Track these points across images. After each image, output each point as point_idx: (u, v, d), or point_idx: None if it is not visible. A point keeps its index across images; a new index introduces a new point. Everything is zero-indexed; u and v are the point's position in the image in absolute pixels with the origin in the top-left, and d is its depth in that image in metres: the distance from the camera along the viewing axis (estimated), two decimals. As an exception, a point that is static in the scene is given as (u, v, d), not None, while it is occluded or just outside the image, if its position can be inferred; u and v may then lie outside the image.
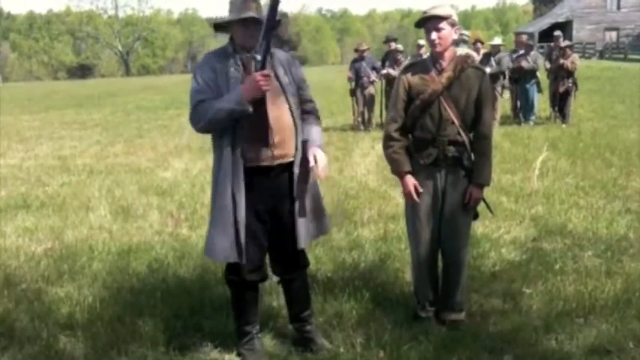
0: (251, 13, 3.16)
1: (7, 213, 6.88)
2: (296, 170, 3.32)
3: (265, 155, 3.25)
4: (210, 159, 3.42)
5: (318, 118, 3.55)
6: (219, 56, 3.31)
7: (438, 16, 3.48)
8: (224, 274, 3.52)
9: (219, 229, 3.30)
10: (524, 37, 13.81)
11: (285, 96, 3.29)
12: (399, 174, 3.68)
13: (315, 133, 3.42)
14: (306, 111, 3.45)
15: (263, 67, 3.10)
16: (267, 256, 3.52)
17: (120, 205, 7.02)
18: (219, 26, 3.36)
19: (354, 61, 13.48)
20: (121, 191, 7.78)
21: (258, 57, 3.09)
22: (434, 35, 3.50)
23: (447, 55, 3.58)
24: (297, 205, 3.33)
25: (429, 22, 3.50)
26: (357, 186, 7.59)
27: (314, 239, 3.56)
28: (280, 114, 3.27)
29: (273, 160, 3.27)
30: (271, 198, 3.33)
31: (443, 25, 3.49)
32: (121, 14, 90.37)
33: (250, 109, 3.12)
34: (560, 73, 12.35)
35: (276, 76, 3.28)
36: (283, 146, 3.28)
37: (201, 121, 3.24)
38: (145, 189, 7.86)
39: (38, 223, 6.40)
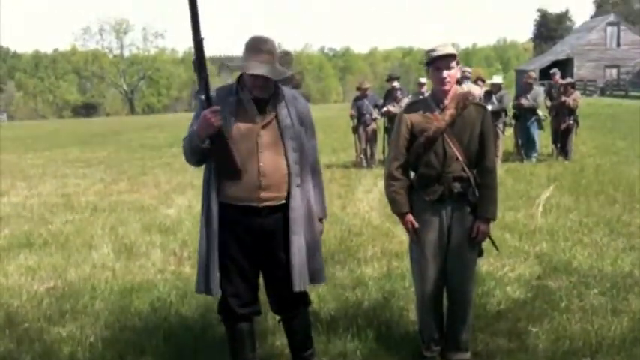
0: (263, 71, 3.15)
1: (10, 251, 6.86)
2: (292, 214, 3.31)
3: (251, 196, 3.26)
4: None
5: (318, 176, 3.55)
6: (223, 93, 3.34)
7: (450, 55, 3.53)
8: (217, 309, 3.53)
9: (198, 263, 3.40)
10: (532, 74, 13.94)
11: (281, 140, 3.29)
12: (399, 215, 3.72)
13: (318, 203, 3.48)
14: (309, 166, 3.44)
15: (210, 104, 3.13)
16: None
17: (123, 243, 7.01)
18: (227, 66, 3.41)
19: (357, 98, 13.60)
20: (124, 229, 7.77)
21: (202, 97, 3.15)
22: (445, 73, 3.54)
23: (449, 92, 3.62)
24: (291, 248, 3.31)
25: (440, 60, 3.54)
26: (361, 223, 7.58)
27: (310, 284, 3.49)
28: (273, 157, 3.27)
29: (259, 202, 3.27)
30: (262, 237, 3.33)
31: (453, 63, 3.55)
32: (126, 53, 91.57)
33: (204, 145, 3.17)
34: (562, 110, 12.42)
35: (277, 118, 3.30)
36: (273, 189, 3.28)
37: (183, 151, 3.39)
38: (148, 227, 7.86)
39: (41, 261, 6.38)
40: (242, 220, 3.29)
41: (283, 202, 3.31)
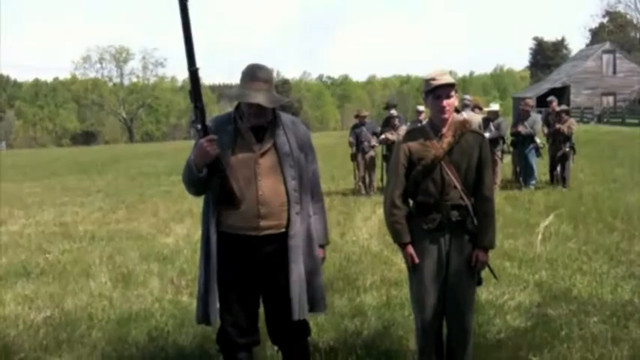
0: (258, 99, 3.17)
1: (6, 281, 6.82)
2: (292, 242, 3.29)
3: (250, 225, 3.26)
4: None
5: (320, 202, 3.55)
6: (222, 121, 3.36)
7: (450, 84, 3.56)
8: (215, 339, 3.49)
9: (197, 293, 3.39)
10: (530, 101, 14.02)
11: (280, 167, 3.29)
12: (400, 244, 3.71)
13: (319, 229, 3.47)
14: (310, 192, 3.44)
15: (206, 133, 3.14)
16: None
17: (120, 272, 6.98)
18: (225, 95, 3.43)
19: (355, 126, 13.67)
20: (122, 258, 7.74)
21: (199, 126, 3.16)
22: (445, 102, 3.56)
23: (448, 120, 3.64)
24: (291, 276, 3.28)
25: (440, 89, 3.56)
26: (359, 251, 7.55)
27: (310, 313, 3.47)
28: (272, 186, 3.27)
29: (259, 231, 3.26)
30: (262, 266, 3.31)
31: (452, 92, 3.58)
32: (125, 82, 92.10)
33: (202, 174, 3.18)
34: (558, 138, 12.48)
35: (275, 146, 3.31)
36: (272, 217, 3.27)
37: (182, 180, 3.38)
38: (145, 255, 7.83)
39: (38, 290, 6.35)
40: (242, 250, 3.28)
41: (283, 230, 3.30)
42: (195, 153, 3.18)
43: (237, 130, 3.30)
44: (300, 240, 3.32)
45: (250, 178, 3.25)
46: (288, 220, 3.30)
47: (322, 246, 3.54)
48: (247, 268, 3.31)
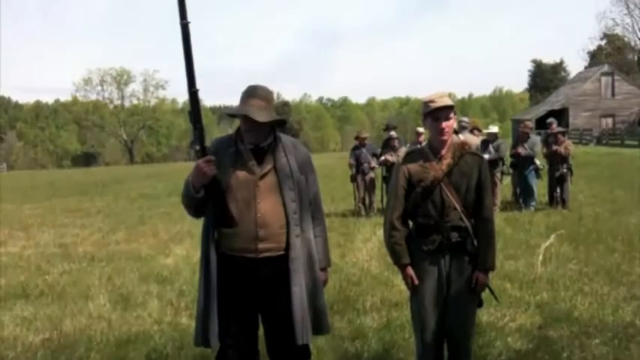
0: (248, 112, 3.20)
1: (5, 302, 6.80)
2: (292, 265, 3.27)
3: (248, 247, 3.24)
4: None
5: (321, 224, 3.53)
6: (223, 142, 3.37)
7: (449, 106, 3.58)
8: None
9: (196, 315, 3.36)
10: (529, 123, 14.09)
11: (280, 190, 3.29)
12: (399, 266, 3.71)
13: (320, 251, 3.46)
14: (311, 214, 3.44)
15: (204, 154, 3.15)
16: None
17: (119, 294, 6.95)
18: (229, 114, 3.45)
19: (355, 148, 13.70)
20: (121, 279, 7.72)
21: (197, 147, 3.17)
22: (444, 124, 3.58)
23: (447, 142, 3.66)
24: (293, 300, 3.26)
25: (439, 111, 3.58)
26: (360, 272, 7.53)
27: (313, 335, 3.44)
28: (272, 208, 3.26)
29: (257, 253, 3.25)
30: (262, 289, 3.29)
31: (451, 114, 3.60)
32: (126, 104, 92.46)
33: (199, 195, 3.18)
34: (555, 159, 12.52)
35: (275, 168, 3.31)
36: (271, 240, 3.26)
37: (181, 202, 3.37)
38: (145, 277, 7.81)
39: (37, 312, 6.32)
40: (240, 271, 3.27)
41: (282, 252, 3.28)
42: (192, 173, 3.18)
43: (238, 152, 3.31)
44: (301, 263, 3.30)
45: (249, 199, 3.24)
46: (288, 242, 3.28)
47: (324, 268, 3.52)
48: (246, 290, 3.29)
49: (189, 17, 3.04)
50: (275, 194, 3.28)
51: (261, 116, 3.20)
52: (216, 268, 3.26)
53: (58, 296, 6.99)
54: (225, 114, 3.57)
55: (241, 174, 3.27)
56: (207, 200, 3.22)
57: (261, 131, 3.28)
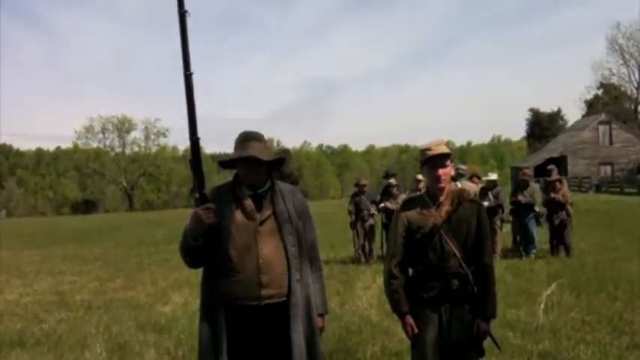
0: (251, 152, 3.24)
1: (1, 351, 6.70)
2: (292, 311, 3.24)
3: (251, 294, 3.21)
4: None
5: (319, 270, 3.53)
6: (221, 191, 3.38)
7: (445, 154, 3.62)
8: None
9: None
10: (528, 171, 14.18)
11: (280, 235, 3.29)
12: (399, 314, 3.70)
13: (318, 297, 3.45)
14: (308, 260, 3.43)
15: (204, 202, 3.15)
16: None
17: (116, 343, 6.86)
18: (224, 163, 3.44)
19: (355, 194, 13.73)
20: (118, 328, 7.63)
21: (197, 195, 3.18)
22: (440, 172, 3.62)
23: (445, 189, 3.68)
24: (293, 348, 3.21)
25: (435, 159, 3.62)
26: (359, 320, 7.44)
27: None
28: (273, 253, 3.26)
29: (260, 300, 3.22)
30: (262, 337, 3.24)
31: (447, 162, 3.63)
32: (127, 151, 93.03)
33: (197, 243, 3.17)
34: (553, 206, 12.54)
35: (274, 214, 3.32)
36: (273, 286, 3.23)
37: (179, 251, 3.34)
38: (142, 325, 7.72)
39: (32, 361, 6.23)
40: (241, 321, 3.22)
41: (284, 299, 3.26)
42: (191, 222, 3.18)
43: (237, 198, 3.32)
44: (300, 308, 3.28)
45: (250, 245, 3.24)
46: (289, 288, 3.27)
47: (321, 315, 3.50)
48: (246, 340, 3.24)
49: (192, 68, 3.10)
50: (275, 239, 3.28)
51: (266, 156, 3.26)
52: (222, 318, 3.22)
53: (54, 345, 6.90)
54: (222, 161, 3.52)
55: (241, 220, 3.27)
56: (206, 249, 3.20)
57: (262, 174, 3.31)
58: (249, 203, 3.30)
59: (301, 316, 3.28)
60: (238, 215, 3.28)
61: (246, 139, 3.31)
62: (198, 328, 3.33)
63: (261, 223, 3.29)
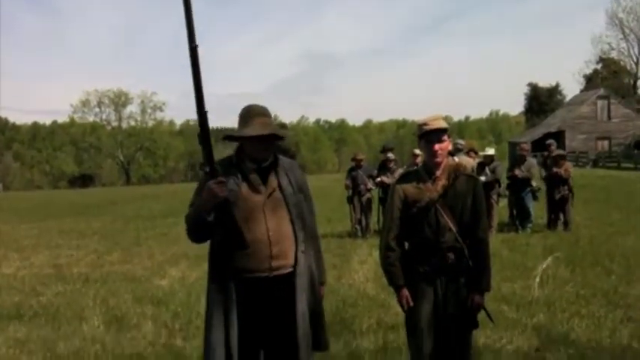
0: (269, 130, 3.25)
1: (-1, 323, 6.75)
2: (298, 281, 3.29)
3: (262, 266, 3.23)
4: (206, 267, 3.40)
5: (317, 241, 3.55)
6: (226, 164, 3.35)
7: (442, 128, 3.60)
8: None
9: (211, 349, 3.23)
10: (525, 146, 14.16)
11: (286, 207, 3.32)
12: (395, 287, 3.71)
13: (317, 266, 3.47)
14: (309, 232, 3.44)
15: (215, 176, 3.12)
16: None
17: (114, 315, 6.90)
18: (231, 138, 3.39)
19: (352, 169, 13.71)
20: (116, 300, 7.67)
21: (207, 169, 3.14)
22: (437, 146, 3.61)
23: (441, 164, 3.67)
24: (297, 317, 3.25)
25: (432, 134, 3.61)
26: (356, 294, 7.49)
27: (314, 351, 3.41)
28: (280, 225, 3.29)
29: (270, 272, 3.25)
30: (269, 308, 3.27)
31: (444, 137, 3.62)
32: (124, 125, 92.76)
33: (210, 217, 3.13)
34: (555, 182, 12.53)
35: (280, 187, 3.33)
36: (283, 257, 3.27)
37: (186, 226, 3.30)
38: (139, 298, 7.76)
39: (30, 334, 6.26)
40: (251, 292, 3.24)
41: (291, 269, 3.30)
42: (203, 196, 3.14)
43: (243, 173, 3.32)
44: (304, 278, 3.32)
45: (260, 218, 3.25)
46: (296, 258, 3.31)
47: (321, 283, 3.54)
48: (254, 313, 3.25)
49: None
50: (282, 212, 3.31)
51: (278, 131, 3.29)
52: (233, 290, 3.22)
53: (52, 317, 6.94)
54: (230, 135, 3.46)
55: (248, 194, 3.28)
56: (217, 223, 3.17)
57: (272, 149, 3.33)
58: (254, 177, 3.31)
59: (306, 286, 3.33)
60: (245, 189, 3.28)
61: (256, 113, 3.30)
62: (207, 300, 3.31)
63: (269, 196, 3.31)
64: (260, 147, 3.29)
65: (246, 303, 3.24)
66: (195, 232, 3.29)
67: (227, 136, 3.39)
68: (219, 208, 3.13)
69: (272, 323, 3.29)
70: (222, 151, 3.52)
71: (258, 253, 3.22)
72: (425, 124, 3.63)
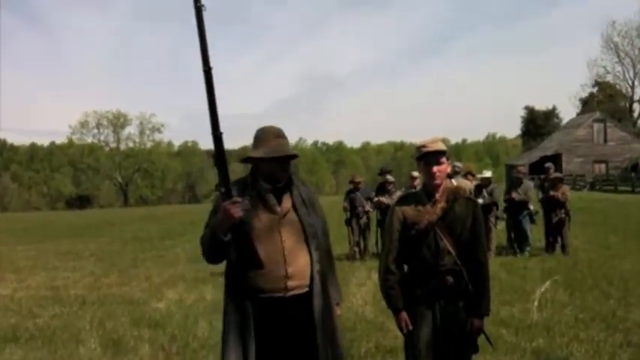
0: (289, 151, 3.30)
1: (-6, 346, 6.70)
2: (315, 301, 3.29)
3: (277, 286, 3.23)
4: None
5: (332, 260, 3.59)
6: (240, 186, 3.36)
7: (440, 151, 3.62)
8: None
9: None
10: (522, 168, 14.21)
11: (302, 227, 3.33)
12: (393, 310, 3.71)
13: (334, 286, 3.51)
14: (324, 250, 3.47)
15: (229, 196, 3.12)
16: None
17: (110, 338, 6.85)
18: (246, 159, 3.39)
19: (350, 191, 13.73)
20: (113, 323, 7.62)
21: (223, 189, 3.15)
22: (435, 169, 3.62)
23: (440, 186, 3.68)
24: (317, 337, 3.25)
25: (431, 156, 3.63)
26: (354, 317, 7.46)
27: None
28: (296, 245, 3.29)
29: (286, 292, 3.25)
30: (286, 330, 3.25)
31: (443, 159, 3.63)
32: (122, 147, 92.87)
33: (227, 238, 3.13)
34: (552, 205, 12.55)
35: (294, 207, 3.35)
36: (298, 277, 3.27)
37: (202, 247, 3.31)
38: (136, 321, 7.71)
39: (26, 356, 6.22)
40: (267, 313, 3.23)
41: (307, 289, 3.30)
42: (218, 217, 3.14)
43: (258, 193, 3.34)
44: (321, 298, 3.32)
45: (275, 238, 3.26)
46: (312, 278, 3.31)
47: (337, 303, 3.55)
48: (274, 333, 3.24)
49: (200, 63, 3.03)
50: (297, 231, 3.33)
51: (295, 152, 3.34)
52: (250, 310, 3.22)
53: (48, 340, 6.89)
54: (248, 157, 3.50)
55: (264, 214, 3.29)
56: (233, 244, 3.16)
57: (289, 170, 3.37)
58: (270, 197, 3.33)
59: (323, 306, 3.32)
60: (260, 209, 3.30)
61: (275, 135, 3.34)
62: (223, 322, 3.30)
63: (284, 216, 3.33)
64: (277, 168, 3.32)
65: (262, 324, 3.23)
66: (211, 253, 3.28)
67: (245, 158, 3.41)
68: (235, 228, 3.13)
69: (290, 344, 3.27)
70: (234, 171, 3.52)
71: (274, 273, 3.23)
72: (423, 146, 3.65)
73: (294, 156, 3.37)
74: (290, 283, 3.25)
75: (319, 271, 3.34)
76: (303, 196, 3.43)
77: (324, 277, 3.37)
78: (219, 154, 3.12)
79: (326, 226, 3.55)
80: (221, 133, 3.10)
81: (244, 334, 3.22)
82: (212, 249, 3.24)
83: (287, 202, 3.36)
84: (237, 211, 3.09)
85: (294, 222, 3.33)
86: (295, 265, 3.26)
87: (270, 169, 3.32)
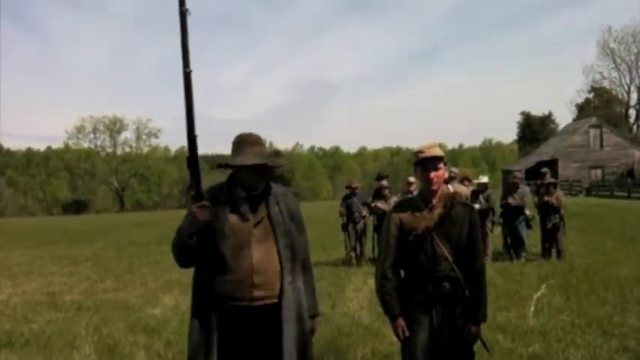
0: (263, 160, 3.24)
1: (-11, 352, 6.66)
2: (284, 313, 3.23)
3: (243, 295, 3.20)
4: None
5: (309, 272, 3.52)
6: (215, 191, 3.35)
7: (438, 156, 3.62)
8: None
9: None
10: (518, 174, 14.24)
11: (274, 237, 3.29)
12: (390, 316, 3.70)
13: (310, 300, 3.45)
14: (300, 263, 3.42)
15: (200, 199, 3.13)
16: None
17: (106, 344, 6.82)
18: (222, 165, 3.38)
19: (346, 197, 13.73)
20: (108, 329, 7.59)
21: (193, 192, 3.16)
22: (432, 174, 3.62)
23: (437, 192, 3.68)
24: (284, 350, 3.20)
25: (428, 162, 3.62)
26: (350, 322, 7.44)
27: None
28: (266, 255, 3.25)
29: (252, 301, 3.20)
30: (253, 339, 3.23)
31: (440, 165, 3.63)
32: (119, 152, 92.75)
33: (191, 241, 3.14)
34: (547, 210, 12.57)
35: (269, 216, 3.31)
36: (265, 287, 3.22)
37: (172, 250, 3.31)
38: (132, 326, 7.68)
39: (21, 362, 6.19)
40: (233, 322, 3.21)
41: (275, 300, 3.25)
42: (186, 219, 3.16)
43: (232, 199, 3.30)
44: (291, 311, 3.26)
45: (244, 246, 3.22)
46: (281, 290, 3.26)
47: (313, 317, 3.49)
48: (237, 342, 3.22)
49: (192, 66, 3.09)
50: (269, 241, 3.28)
51: (271, 161, 3.27)
52: (214, 318, 3.20)
53: (43, 346, 6.86)
54: (222, 163, 3.49)
55: (235, 221, 3.26)
56: (198, 248, 3.18)
57: (265, 178, 3.32)
58: (244, 205, 3.29)
59: (293, 319, 3.27)
60: (232, 216, 3.26)
61: (250, 142, 3.30)
62: (189, 328, 3.30)
63: (255, 225, 3.28)
64: (253, 176, 3.27)
65: (227, 332, 3.21)
66: (180, 256, 3.29)
67: (221, 164, 3.39)
68: (201, 232, 3.13)
69: (254, 355, 3.24)
70: (220, 178, 3.51)
71: (240, 281, 3.19)
72: (421, 151, 3.65)
73: (270, 166, 3.30)
74: (256, 293, 3.20)
75: (291, 282, 3.29)
76: (281, 207, 3.36)
77: (296, 290, 3.33)
78: (192, 156, 3.13)
79: (305, 238, 3.50)
80: (195, 136, 3.11)
81: (208, 342, 3.20)
82: (179, 251, 3.26)
83: (262, 211, 3.31)
84: (204, 215, 3.10)
85: (266, 231, 3.28)
86: (263, 275, 3.22)
87: (246, 176, 3.28)
